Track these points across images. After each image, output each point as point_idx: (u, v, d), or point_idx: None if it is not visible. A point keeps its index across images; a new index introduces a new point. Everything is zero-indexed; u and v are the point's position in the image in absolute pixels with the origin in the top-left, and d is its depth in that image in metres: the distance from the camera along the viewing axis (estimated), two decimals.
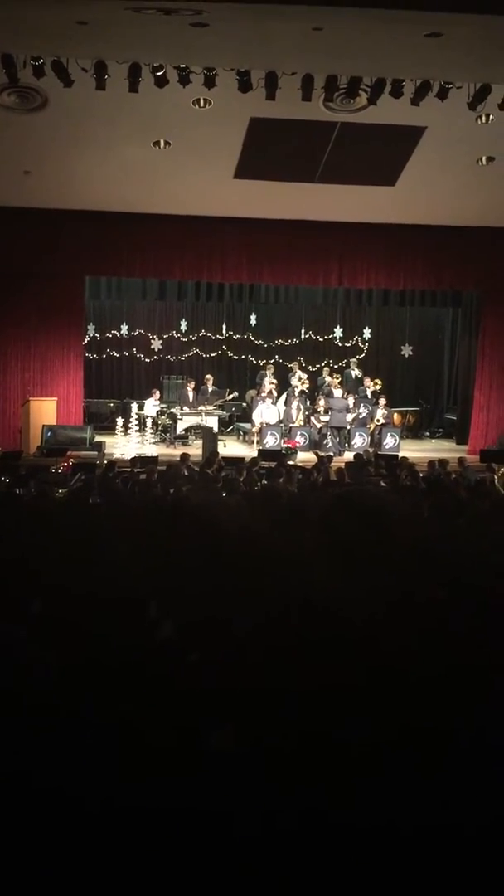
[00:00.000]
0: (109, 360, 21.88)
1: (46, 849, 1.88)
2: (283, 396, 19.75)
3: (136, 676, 2.65)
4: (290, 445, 17.95)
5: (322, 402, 19.35)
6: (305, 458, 16.66)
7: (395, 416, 20.53)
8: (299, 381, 19.88)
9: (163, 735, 2.20)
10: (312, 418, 19.29)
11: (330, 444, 18.42)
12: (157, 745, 2.17)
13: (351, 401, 19.34)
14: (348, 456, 16.85)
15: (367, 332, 22.64)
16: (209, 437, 17.40)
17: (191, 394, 19.45)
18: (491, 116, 13.94)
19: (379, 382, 20.38)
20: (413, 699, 2.23)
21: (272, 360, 21.43)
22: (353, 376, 20.82)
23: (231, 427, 20.83)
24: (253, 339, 22.33)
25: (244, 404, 20.94)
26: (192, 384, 19.78)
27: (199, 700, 2.31)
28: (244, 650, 2.34)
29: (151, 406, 19.30)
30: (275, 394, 19.59)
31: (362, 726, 2.11)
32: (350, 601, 2.38)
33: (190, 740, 2.17)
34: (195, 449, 17.12)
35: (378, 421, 19.23)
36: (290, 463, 14.86)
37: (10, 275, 17.55)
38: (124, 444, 17.81)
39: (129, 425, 18.08)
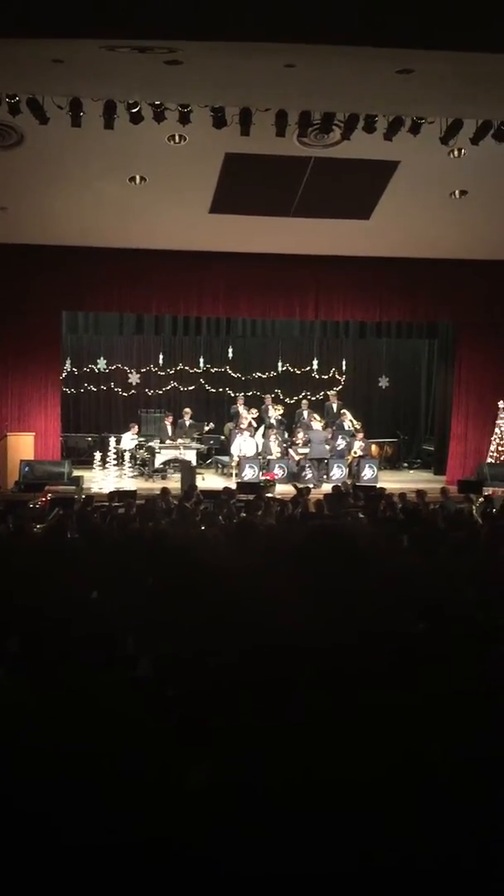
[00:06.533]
0: (87, 395, 21.83)
1: (33, 883, 1.87)
2: (261, 429, 19.78)
3: (114, 714, 2.64)
4: (268, 478, 17.96)
5: (301, 434, 19.37)
6: (284, 489, 16.66)
7: (373, 447, 20.56)
8: (277, 412, 20.00)
9: (142, 772, 2.19)
10: (290, 450, 19.30)
11: (308, 475, 18.44)
12: (137, 783, 2.15)
13: (328, 433, 19.41)
14: (327, 487, 16.86)
15: (344, 364, 22.72)
16: (187, 471, 17.37)
17: (169, 427, 19.46)
18: (463, 151, 14.09)
19: (357, 423, 20.31)
20: (391, 729, 2.23)
21: (249, 393, 21.43)
22: (334, 409, 20.77)
23: (209, 460, 20.80)
24: (230, 372, 22.36)
25: (222, 437, 20.94)
26: (171, 418, 19.79)
27: (176, 737, 2.30)
28: (220, 685, 2.33)
29: (129, 440, 19.28)
30: (254, 426, 19.62)
31: (342, 759, 2.10)
32: (322, 635, 2.38)
33: (167, 777, 2.16)
34: (174, 482, 17.09)
35: (356, 452, 19.28)
36: (269, 495, 14.85)
37: None
38: (102, 479, 17.79)
39: (107, 459, 18.07)
